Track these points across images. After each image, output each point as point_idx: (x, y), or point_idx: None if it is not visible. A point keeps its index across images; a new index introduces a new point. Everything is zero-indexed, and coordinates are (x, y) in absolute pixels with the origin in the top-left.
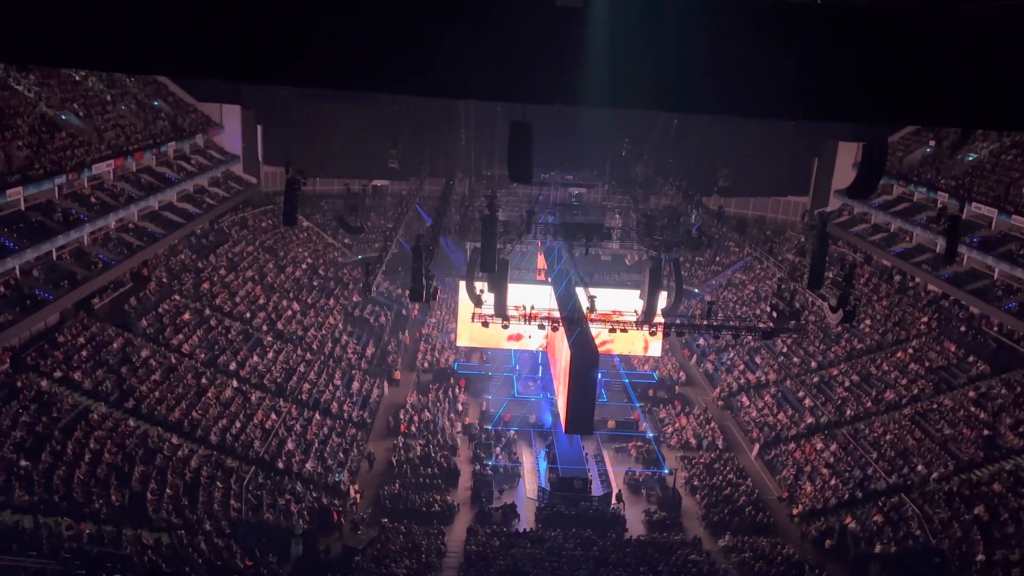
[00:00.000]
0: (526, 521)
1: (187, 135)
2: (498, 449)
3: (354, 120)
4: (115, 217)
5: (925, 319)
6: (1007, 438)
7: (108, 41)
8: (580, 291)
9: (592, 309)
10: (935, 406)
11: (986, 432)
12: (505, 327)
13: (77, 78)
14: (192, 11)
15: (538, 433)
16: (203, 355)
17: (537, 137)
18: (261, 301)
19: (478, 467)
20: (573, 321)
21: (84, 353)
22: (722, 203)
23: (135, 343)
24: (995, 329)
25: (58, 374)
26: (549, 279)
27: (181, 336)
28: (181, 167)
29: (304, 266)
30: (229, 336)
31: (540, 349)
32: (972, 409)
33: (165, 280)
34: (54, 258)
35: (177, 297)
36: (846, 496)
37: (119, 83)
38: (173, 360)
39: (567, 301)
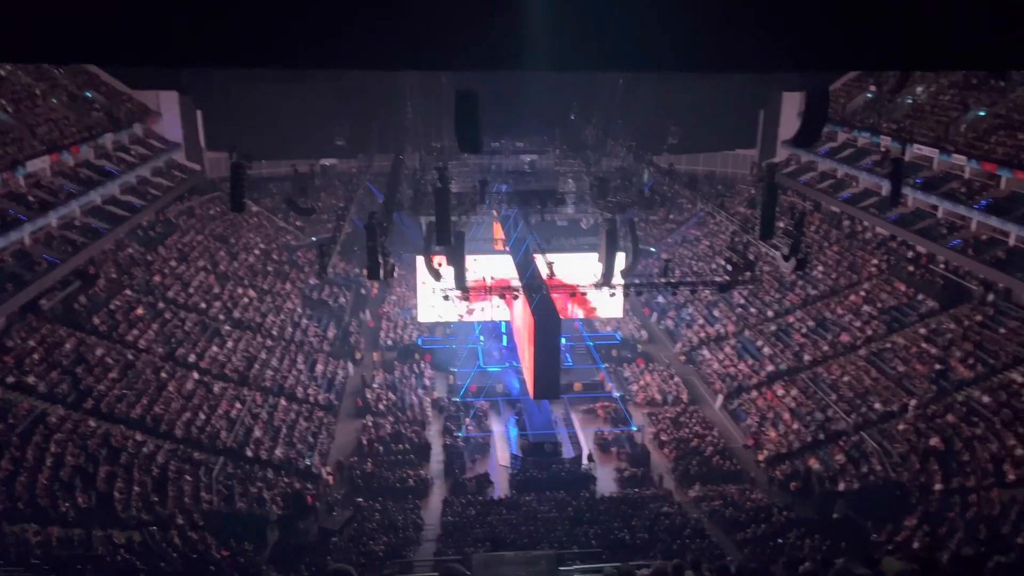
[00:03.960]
0: (500, 488)
1: (124, 125)
2: (468, 420)
3: (297, 99)
4: (56, 215)
5: (875, 261)
6: (957, 371)
7: (26, 30)
8: (539, 258)
9: (551, 275)
10: (888, 345)
11: (937, 366)
12: (465, 299)
13: (2, 72)
14: None
15: (506, 401)
16: (161, 349)
17: (484, 106)
18: (216, 290)
19: (449, 440)
20: (533, 288)
21: (36, 356)
22: (672, 161)
23: (88, 342)
24: (941, 266)
25: (10, 379)
26: (507, 248)
27: (136, 331)
28: (121, 159)
29: (257, 252)
30: (185, 328)
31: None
32: (923, 345)
33: (114, 276)
34: None
35: (128, 292)
36: (809, 439)
37: (47, 75)
38: (130, 356)
39: (526, 269)
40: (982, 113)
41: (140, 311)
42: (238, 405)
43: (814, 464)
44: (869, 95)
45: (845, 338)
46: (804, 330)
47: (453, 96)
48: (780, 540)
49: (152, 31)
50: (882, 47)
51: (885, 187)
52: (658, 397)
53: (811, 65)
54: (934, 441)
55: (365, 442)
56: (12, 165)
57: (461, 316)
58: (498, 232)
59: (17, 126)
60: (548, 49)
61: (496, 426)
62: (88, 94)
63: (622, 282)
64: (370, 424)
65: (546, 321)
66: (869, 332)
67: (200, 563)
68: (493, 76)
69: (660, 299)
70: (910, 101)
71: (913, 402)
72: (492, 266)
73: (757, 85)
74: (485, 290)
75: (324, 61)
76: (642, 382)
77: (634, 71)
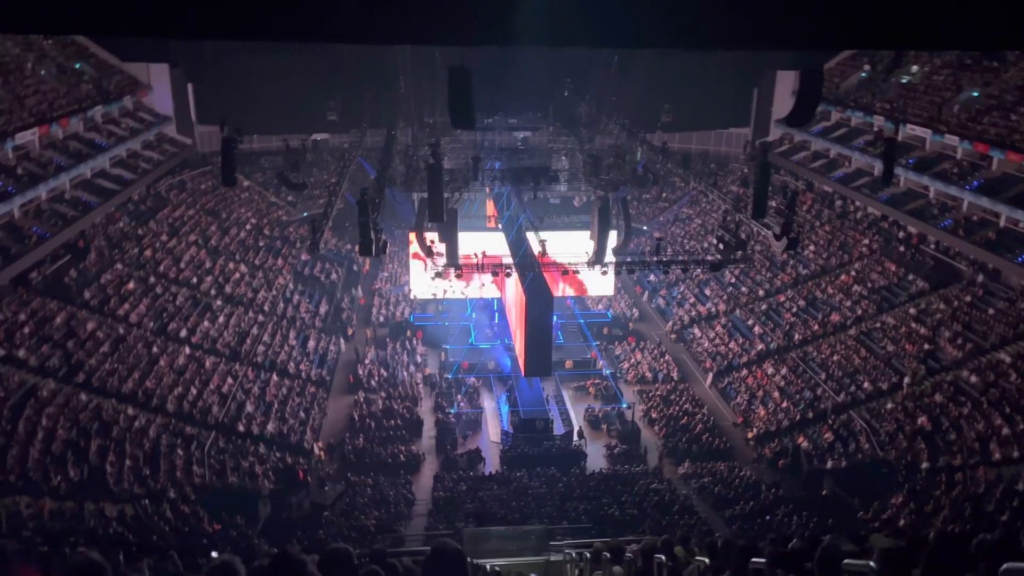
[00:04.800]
0: (491, 464)
1: (114, 98)
2: (459, 397)
3: (289, 73)
4: (46, 188)
5: (866, 241)
6: (946, 351)
7: (14, 1)
8: (531, 235)
9: (544, 253)
10: (878, 325)
11: (927, 346)
12: (459, 277)
13: None
14: None
15: (498, 378)
16: (152, 324)
17: (478, 81)
18: (207, 265)
19: (441, 416)
20: (526, 266)
21: (26, 330)
22: (666, 139)
23: (79, 316)
24: (932, 247)
25: (1, 352)
26: (500, 225)
27: (127, 306)
28: (111, 132)
29: (248, 227)
30: (177, 303)
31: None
32: (913, 325)
33: (105, 250)
34: None
35: (119, 266)
36: (797, 417)
37: (36, 45)
38: (121, 331)
39: (519, 246)
40: (975, 94)
41: (131, 285)
42: (230, 380)
43: (803, 442)
44: (863, 75)
45: (835, 318)
46: (795, 309)
47: (447, 71)
48: (768, 517)
49: (142, 2)
50: (876, 26)
51: (877, 167)
52: (648, 375)
53: (805, 44)
54: (922, 420)
55: (357, 418)
56: (1, 137)
57: (445, 291)
58: (491, 209)
59: (5, 97)
60: (542, 24)
61: (487, 402)
62: (77, 65)
63: (614, 260)
64: (362, 400)
65: (538, 299)
66: (859, 312)
67: (192, 536)
68: (487, 51)
69: (652, 277)
70: (905, 80)
71: (907, 379)
72: (484, 243)
73: (751, 64)
74: (477, 267)
75: (316, 34)
76: (633, 360)
77: (628, 48)
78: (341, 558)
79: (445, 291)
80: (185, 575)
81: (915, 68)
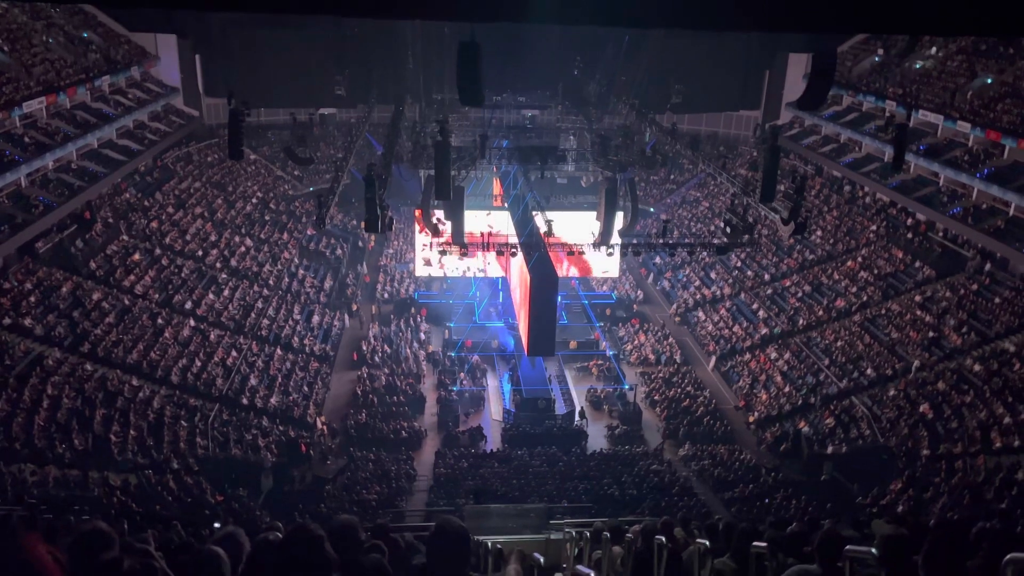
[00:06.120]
0: (493, 442)
1: (122, 68)
2: (462, 375)
3: (297, 46)
4: (52, 157)
5: (874, 227)
6: (951, 339)
7: None
8: (537, 215)
9: (549, 233)
10: (883, 311)
11: (931, 334)
12: (463, 255)
13: None
14: None
15: (501, 357)
16: (157, 295)
17: (487, 58)
18: (213, 238)
19: (443, 393)
20: (531, 246)
21: (32, 299)
22: (675, 120)
23: (85, 286)
24: (940, 234)
25: (7, 321)
26: (506, 204)
27: (133, 277)
28: (118, 102)
29: (255, 200)
30: (182, 275)
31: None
32: (918, 313)
33: (111, 220)
34: None
35: (125, 237)
36: (799, 402)
37: (43, 14)
38: (126, 302)
39: (524, 226)
40: (989, 80)
41: (137, 257)
42: (234, 353)
43: (804, 427)
44: (876, 59)
45: (840, 303)
46: (800, 294)
47: (456, 47)
48: (767, 500)
49: None
50: (890, 9)
51: (888, 153)
52: (651, 357)
53: (817, 27)
54: (923, 408)
55: (360, 393)
56: (8, 105)
57: (442, 260)
58: (497, 188)
59: (13, 66)
60: (553, 2)
61: (490, 381)
62: (84, 35)
63: (620, 241)
64: (365, 375)
65: (543, 279)
66: (864, 298)
67: (195, 507)
68: (497, 28)
69: (657, 259)
70: (919, 66)
71: (916, 362)
72: (490, 222)
73: (763, 45)
74: (482, 246)
75: (325, 7)
76: (636, 342)
77: (638, 28)
78: (349, 531)
79: (442, 261)
80: (189, 544)
81: (933, 50)
